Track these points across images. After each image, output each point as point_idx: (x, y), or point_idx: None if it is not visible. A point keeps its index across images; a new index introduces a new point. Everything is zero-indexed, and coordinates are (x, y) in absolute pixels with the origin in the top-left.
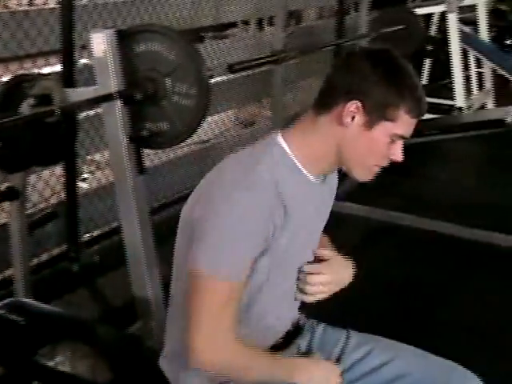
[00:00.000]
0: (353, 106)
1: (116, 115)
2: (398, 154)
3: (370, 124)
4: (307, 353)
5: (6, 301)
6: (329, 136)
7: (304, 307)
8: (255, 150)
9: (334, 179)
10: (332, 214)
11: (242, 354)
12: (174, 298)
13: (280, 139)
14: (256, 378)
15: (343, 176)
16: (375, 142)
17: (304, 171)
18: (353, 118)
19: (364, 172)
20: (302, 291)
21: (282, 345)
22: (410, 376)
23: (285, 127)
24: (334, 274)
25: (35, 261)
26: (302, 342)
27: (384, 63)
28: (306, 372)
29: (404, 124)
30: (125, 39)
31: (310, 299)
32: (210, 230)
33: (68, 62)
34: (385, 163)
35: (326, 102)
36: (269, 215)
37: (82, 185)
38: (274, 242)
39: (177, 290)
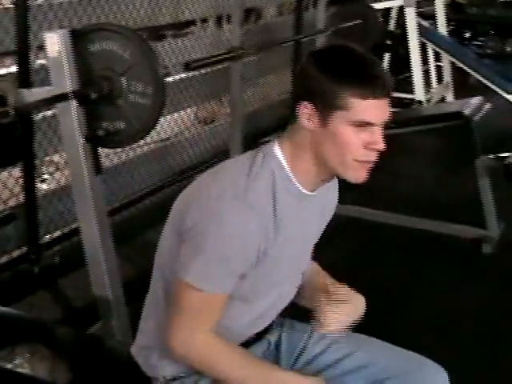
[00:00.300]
0: (303, 108)
1: (71, 115)
2: (376, 142)
3: (325, 119)
4: (277, 350)
5: None
6: (304, 145)
7: None
8: (255, 160)
9: (334, 191)
10: None
11: (225, 356)
12: (154, 285)
13: (277, 150)
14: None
15: None
16: (339, 136)
17: (296, 183)
18: (310, 119)
19: (348, 171)
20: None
21: (254, 340)
22: (374, 366)
23: (280, 136)
24: (349, 311)
25: None
26: (272, 338)
27: (323, 57)
28: None
29: (359, 109)
30: (79, 39)
31: (324, 330)
32: (204, 243)
33: (23, 62)
34: (368, 156)
35: (292, 112)
36: (264, 233)
37: (42, 186)
38: (263, 255)
39: (157, 279)
